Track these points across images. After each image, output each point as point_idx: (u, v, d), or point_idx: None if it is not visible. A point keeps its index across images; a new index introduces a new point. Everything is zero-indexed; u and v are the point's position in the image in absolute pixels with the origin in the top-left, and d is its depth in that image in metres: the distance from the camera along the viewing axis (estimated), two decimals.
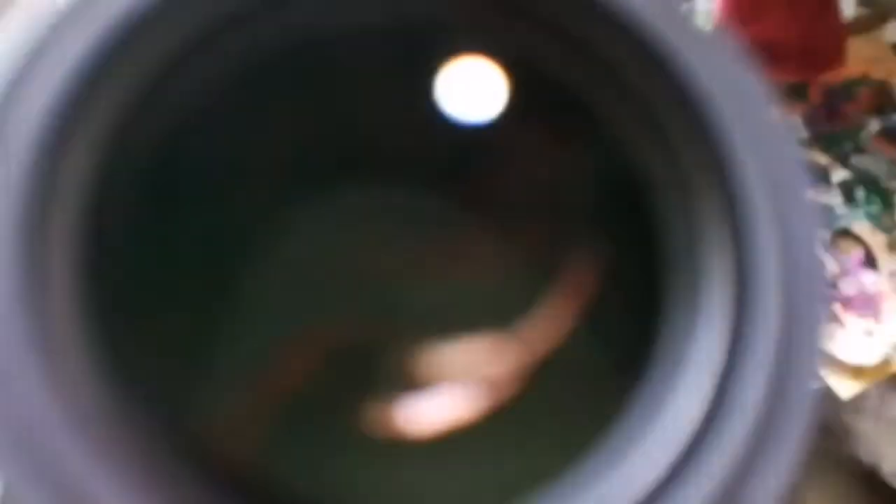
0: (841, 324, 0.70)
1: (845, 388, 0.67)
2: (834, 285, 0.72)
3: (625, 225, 0.12)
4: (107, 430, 0.08)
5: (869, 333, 0.70)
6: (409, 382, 0.12)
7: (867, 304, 0.72)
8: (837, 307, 0.71)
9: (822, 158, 0.77)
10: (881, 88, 0.81)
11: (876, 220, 0.75)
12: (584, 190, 0.12)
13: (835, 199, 0.76)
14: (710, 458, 0.09)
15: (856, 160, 0.78)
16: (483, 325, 0.12)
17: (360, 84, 0.13)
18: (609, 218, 0.12)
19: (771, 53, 0.70)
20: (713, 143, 0.10)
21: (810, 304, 0.10)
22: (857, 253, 0.74)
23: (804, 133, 0.78)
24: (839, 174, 0.77)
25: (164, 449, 0.09)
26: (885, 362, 0.68)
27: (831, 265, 0.73)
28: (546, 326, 0.12)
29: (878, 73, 0.82)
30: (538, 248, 0.12)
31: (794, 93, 0.79)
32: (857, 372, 0.68)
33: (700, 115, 0.11)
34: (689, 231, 0.11)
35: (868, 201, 0.76)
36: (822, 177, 0.76)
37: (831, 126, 0.79)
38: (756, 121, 0.10)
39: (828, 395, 0.68)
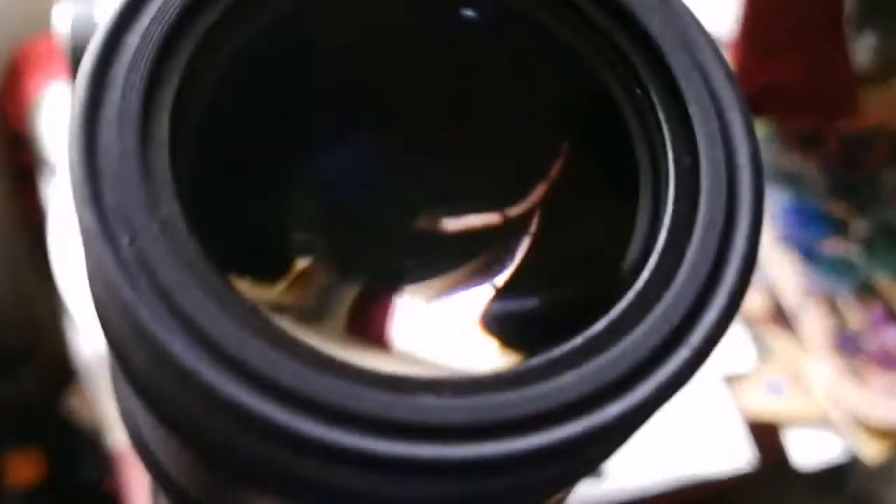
0: (863, 381, 0.68)
1: (871, 450, 0.64)
2: (856, 343, 0.70)
3: (593, 128, 0.15)
4: (195, 252, 0.12)
5: (892, 391, 0.67)
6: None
7: (890, 361, 0.69)
8: (859, 364, 0.69)
9: (841, 208, 0.75)
10: None
11: None
12: (560, 106, 0.15)
13: (854, 251, 0.74)
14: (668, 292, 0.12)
15: (875, 210, 0.76)
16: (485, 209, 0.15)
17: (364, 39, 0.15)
18: (581, 125, 0.15)
19: (784, 99, 0.69)
20: (661, 66, 0.14)
21: (746, 170, 0.13)
22: (877, 308, 0.72)
23: (822, 182, 0.76)
24: (858, 224, 0.75)
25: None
26: None
27: (854, 321, 0.70)
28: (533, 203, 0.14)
29: (894, 124, 0.80)
30: (525, 155, 0.15)
31: (812, 141, 0.78)
32: (882, 433, 0.65)
33: (653, 49, 0.14)
34: (645, 128, 0.14)
35: (888, 253, 0.74)
36: (842, 227, 0.75)
37: (849, 175, 0.78)
38: (693, 49, 0.14)
39: (857, 465, 0.65)
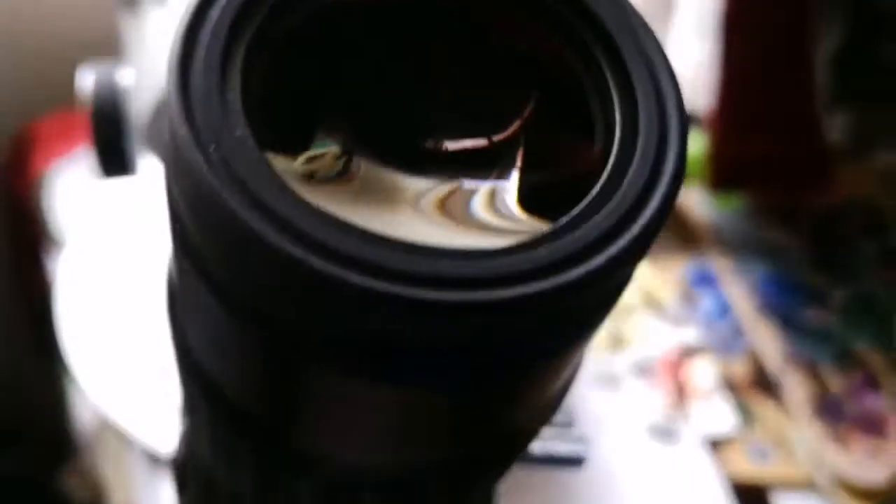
0: (846, 445, 0.69)
1: None
2: (838, 408, 0.71)
3: (558, 87, 0.19)
4: (262, 158, 0.16)
5: (874, 453, 0.69)
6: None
7: (871, 424, 0.71)
8: (842, 429, 0.70)
9: (819, 278, 0.78)
10: (872, 212, 0.83)
11: (876, 341, 0.75)
12: (532, 71, 0.20)
13: (833, 320, 0.76)
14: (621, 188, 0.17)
15: (852, 281, 0.78)
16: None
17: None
18: (549, 85, 0.19)
19: (760, 173, 0.72)
20: (611, 44, 0.18)
21: (673, 97, 0.18)
22: (858, 374, 0.73)
23: (800, 253, 0.79)
24: (837, 294, 0.77)
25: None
26: (893, 482, 0.66)
27: (835, 387, 0.72)
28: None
29: (868, 197, 0.83)
30: (506, 102, 0.19)
31: (789, 214, 0.80)
32: (865, 493, 0.66)
33: (605, 33, 0.18)
34: (598, 89, 0.18)
35: (867, 321, 0.76)
36: (820, 297, 0.77)
37: (826, 247, 0.80)
38: (635, 31, 0.18)
39: None
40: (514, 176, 0.18)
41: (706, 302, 0.75)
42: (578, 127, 0.18)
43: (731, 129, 0.72)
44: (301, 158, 0.18)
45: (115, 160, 0.41)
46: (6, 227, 0.86)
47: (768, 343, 0.73)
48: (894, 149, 0.87)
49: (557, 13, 0.18)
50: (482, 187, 0.18)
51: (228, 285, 0.17)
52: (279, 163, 0.17)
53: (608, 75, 0.18)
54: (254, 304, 0.17)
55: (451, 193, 0.18)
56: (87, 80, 0.41)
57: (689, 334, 0.73)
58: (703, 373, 0.71)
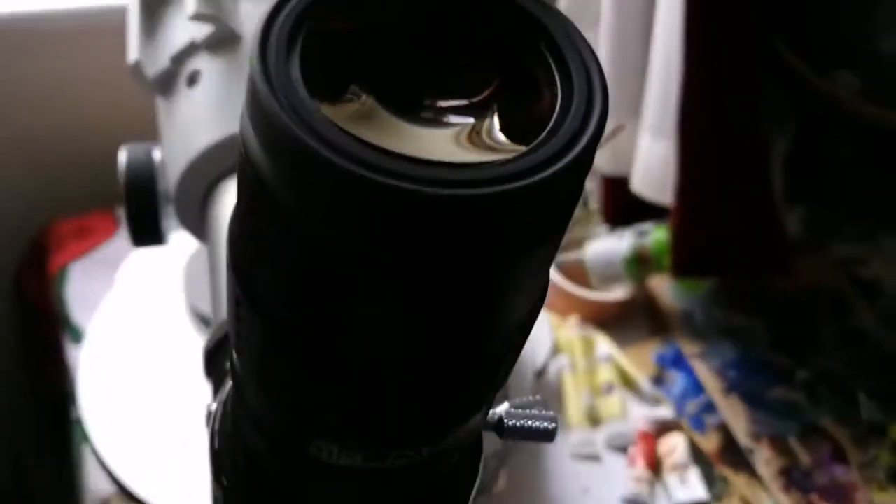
0: None
1: None
2: (808, 479, 0.75)
3: (516, 69, 0.26)
4: (317, 107, 0.22)
5: None
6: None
7: (839, 494, 0.74)
8: (813, 498, 0.74)
9: (784, 360, 0.82)
10: (832, 298, 0.88)
11: (841, 416, 0.79)
12: (498, 57, 0.26)
13: (800, 397, 0.80)
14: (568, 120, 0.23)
15: (815, 361, 0.83)
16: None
17: None
18: (509, 67, 0.26)
19: (720, 261, 0.76)
20: (552, 41, 0.25)
21: (598, 79, 0.24)
22: (825, 447, 0.77)
23: (766, 336, 0.83)
24: (802, 373, 0.81)
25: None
26: None
27: (804, 459, 0.76)
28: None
29: (828, 284, 0.88)
30: (479, 76, 0.25)
31: (754, 300, 0.85)
32: None
33: (548, 34, 0.25)
34: (545, 70, 0.24)
35: (831, 399, 0.80)
36: (786, 376, 0.81)
37: (789, 330, 0.85)
38: (569, 34, 0.25)
39: None
40: (496, 119, 0.25)
41: (678, 382, 0.79)
42: (531, 92, 0.25)
43: (690, 221, 0.76)
44: (340, 107, 0.24)
45: (145, 231, 0.46)
46: (23, 324, 0.90)
47: (738, 419, 0.77)
48: (849, 241, 0.92)
49: (515, 15, 0.25)
50: (482, 125, 0.24)
51: (293, 205, 0.22)
52: (329, 110, 0.23)
53: (549, 58, 0.24)
54: (314, 220, 0.22)
55: (461, 130, 0.24)
56: (122, 157, 0.46)
57: (663, 412, 0.77)
58: (677, 447, 0.74)
